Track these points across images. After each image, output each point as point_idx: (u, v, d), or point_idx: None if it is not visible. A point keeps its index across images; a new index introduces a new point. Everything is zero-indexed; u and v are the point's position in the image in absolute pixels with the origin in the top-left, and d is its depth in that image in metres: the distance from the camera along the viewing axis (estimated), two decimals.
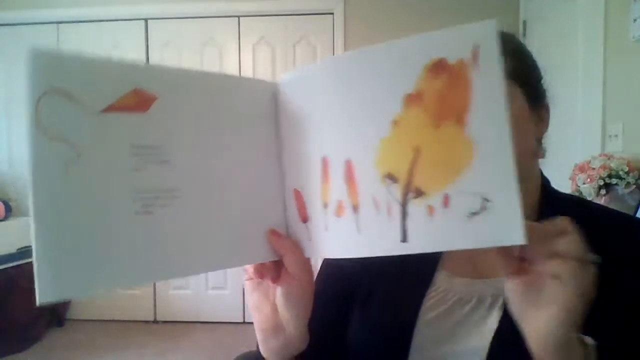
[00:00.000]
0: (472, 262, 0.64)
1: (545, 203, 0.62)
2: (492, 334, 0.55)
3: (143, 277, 0.41)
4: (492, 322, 0.57)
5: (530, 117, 0.62)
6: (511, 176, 0.36)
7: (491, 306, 0.59)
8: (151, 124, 0.40)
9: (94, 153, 0.37)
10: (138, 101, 0.39)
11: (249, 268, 0.52)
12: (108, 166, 0.38)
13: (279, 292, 0.50)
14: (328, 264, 0.72)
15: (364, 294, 0.66)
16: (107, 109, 0.38)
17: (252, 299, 0.52)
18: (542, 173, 0.66)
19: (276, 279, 0.50)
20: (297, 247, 0.49)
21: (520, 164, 0.55)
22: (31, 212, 0.35)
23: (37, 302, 0.35)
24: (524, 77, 0.61)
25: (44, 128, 0.35)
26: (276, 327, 0.51)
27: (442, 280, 0.62)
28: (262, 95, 0.48)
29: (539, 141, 0.65)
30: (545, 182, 0.66)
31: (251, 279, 0.52)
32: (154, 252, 0.41)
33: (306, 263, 0.50)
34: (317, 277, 0.72)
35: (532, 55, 0.66)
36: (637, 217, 0.63)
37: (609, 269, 0.53)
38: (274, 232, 0.49)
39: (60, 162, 0.36)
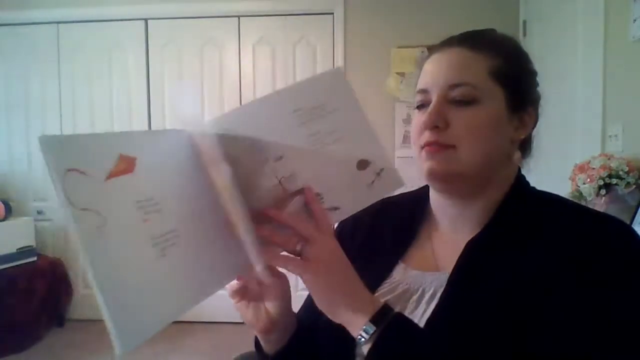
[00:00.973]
0: (433, 255, 0.68)
1: (509, 199, 0.64)
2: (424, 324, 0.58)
3: (178, 310, 0.48)
4: (428, 313, 0.59)
5: (508, 119, 0.62)
6: (381, 151, 0.61)
7: (431, 298, 0.62)
8: (139, 181, 0.47)
9: (114, 215, 0.44)
10: (125, 165, 0.46)
11: (235, 287, 0.61)
12: (128, 223, 0.45)
13: (267, 298, 0.62)
14: None
15: None
16: (108, 177, 0.44)
17: (248, 315, 0.63)
18: (519, 172, 0.67)
19: (261, 282, 0.61)
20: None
21: (485, 162, 0.62)
22: (93, 281, 0.41)
23: (118, 352, 0.43)
24: (509, 79, 0.62)
25: (73, 202, 0.41)
26: (272, 325, 0.63)
27: (398, 272, 0.68)
28: (183, 143, 0.55)
29: (515, 144, 0.65)
30: (519, 181, 0.66)
31: (240, 300, 0.63)
32: (179, 286, 0.49)
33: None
34: None
35: (526, 61, 0.66)
36: (592, 210, 0.62)
37: (560, 258, 0.54)
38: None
39: (93, 228, 0.42)
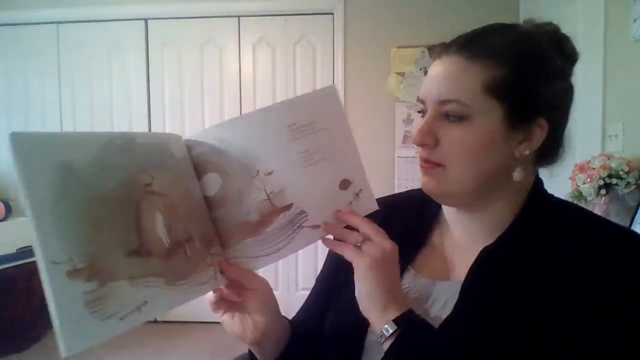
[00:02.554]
0: (446, 263, 0.66)
1: (526, 210, 0.61)
2: None
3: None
4: (437, 323, 0.58)
5: (507, 135, 0.57)
6: (363, 172, 0.62)
7: (443, 307, 0.60)
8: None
9: None
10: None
11: (212, 300, 0.61)
12: None
13: (251, 307, 0.61)
14: (330, 255, 0.77)
15: (340, 284, 0.70)
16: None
17: (235, 329, 0.62)
18: (536, 181, 0.64)
19: (241, 294, 0.59)
20: (243, 269, 0.58)
21: (477, 181, 0.59)
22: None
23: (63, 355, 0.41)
24: (511, 91, 0.56)
25: None
26: (263, 335, 0.62)
27: (408, 279, 0.65)
28: (183, 145, 0.56)
29: (520, 159, 0.59)
30: (537, 191, 0.63)
31: (223, 313, 0.62)
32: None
33: (256, 275, 0.60)
34: (322, 266, 0.80)
35: (540, 65, 0.58)
36: (612, 224, 0.60)
37: (576, 271, 0.53)
38: (223, 262, 0.57)
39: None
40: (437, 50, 0.62)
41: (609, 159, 1.49)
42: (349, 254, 0.57)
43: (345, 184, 0.61)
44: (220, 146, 0.56)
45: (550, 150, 0.62)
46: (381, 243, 0.56)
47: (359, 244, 0.57)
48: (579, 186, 1.53)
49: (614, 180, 1.43)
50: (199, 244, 0.54)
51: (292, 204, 0.57)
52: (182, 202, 0.53)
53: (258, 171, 0.56)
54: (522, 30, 0.62)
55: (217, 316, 0.63)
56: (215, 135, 0.56)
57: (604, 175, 1.44)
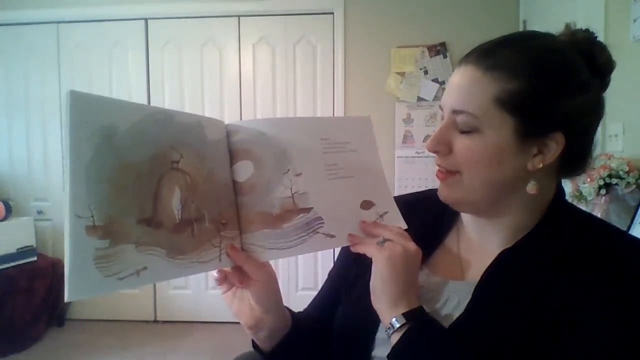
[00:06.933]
0: (460, 263, 0.67)
1: (546, 220, 0.62)
2: None
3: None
4: (448, 322, 0.59)
5: (519, 148, 0.57)
6: (389, 197, 0.67)
7: (456, 307, 0.61)
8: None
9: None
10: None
11: (217, 277, 0.61)
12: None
13: (250, 295, 0.61)
14: (343, 251, 0.79)
15: (351, 281, 0.72)
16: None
17: (233, 306, 0.64)
18: (556, 194, 0.63)
19: (243, 281, 0.59)
20: (250, 258, 0.58)
21: (489, 191, 0.60)
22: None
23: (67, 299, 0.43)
24: (523, 105, 0.55)
25: None
26: (258, 323, 0.63)
27: (421, 277, 0.66)
28: (222, 130, 0.60)
29: (535, 171, 0.58)
30: (558, 201, 0.63)
31: (226, 290, 0.63)
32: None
33: (263, 266, 0.60)
34: (335, 261, 0.81)
35: (560, 80, 0.56)
36: (635, 239, 0.59)
37: (594, 282, 0.54)
38: (232, 247, 0.57)
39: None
40: (463, 56, 0.62)
41: (609, 158, 1.49)
42: (370, 249, 0.59)
43: (366, 205, 0.65)
44: (260, 138, 0.60)
45: (572, 162, 0.61)
46: (404, 243, 0.59)
47: (381, 244, 0.59)
48: (579, 186, 1.53)
49: (614, 180, 1.43)
50: (209, 225, 0.56)
51: (312, 207, 0.61)
52: (203, 183, 0.56)
53: (288, 170, 0.60)
54: (544, 43, 0.59)
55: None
56: (258, 127, 0.60)
57: (604, 175, 1.44)
